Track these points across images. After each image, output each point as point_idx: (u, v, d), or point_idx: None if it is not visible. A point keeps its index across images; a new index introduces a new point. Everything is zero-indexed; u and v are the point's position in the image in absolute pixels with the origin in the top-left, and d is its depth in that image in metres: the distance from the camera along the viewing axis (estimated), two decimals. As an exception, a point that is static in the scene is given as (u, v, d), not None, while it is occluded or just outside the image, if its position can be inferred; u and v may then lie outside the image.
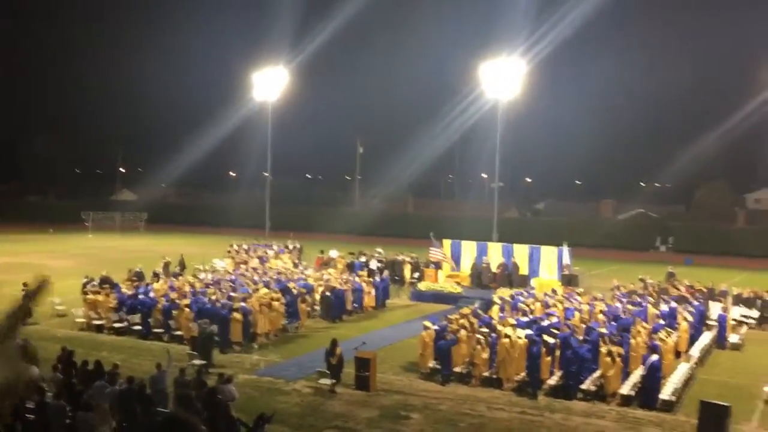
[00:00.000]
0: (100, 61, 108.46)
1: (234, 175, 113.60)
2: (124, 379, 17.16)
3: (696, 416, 17.41)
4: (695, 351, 25.06)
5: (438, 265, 39.45)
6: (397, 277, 40.24)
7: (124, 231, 73.91)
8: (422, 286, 38.13)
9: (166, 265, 38.81)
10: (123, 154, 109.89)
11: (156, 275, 35.33)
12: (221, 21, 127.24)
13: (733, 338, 28.27)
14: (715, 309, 30.76)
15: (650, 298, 31.07)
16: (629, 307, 28.31)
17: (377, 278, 35.94)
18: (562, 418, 18.94)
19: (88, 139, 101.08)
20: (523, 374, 21.53)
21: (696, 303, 30.00)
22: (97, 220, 75.20)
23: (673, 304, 29.03)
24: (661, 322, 25.33)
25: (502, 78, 43.32)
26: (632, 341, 22.39)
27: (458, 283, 37.77)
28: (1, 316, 1.42)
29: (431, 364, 22.70)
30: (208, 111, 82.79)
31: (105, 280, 31.77)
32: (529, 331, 22.62)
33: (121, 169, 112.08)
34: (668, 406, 19.69)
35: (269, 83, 54.15)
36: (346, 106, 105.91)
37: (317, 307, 31.69)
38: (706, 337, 27.32)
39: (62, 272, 41.39)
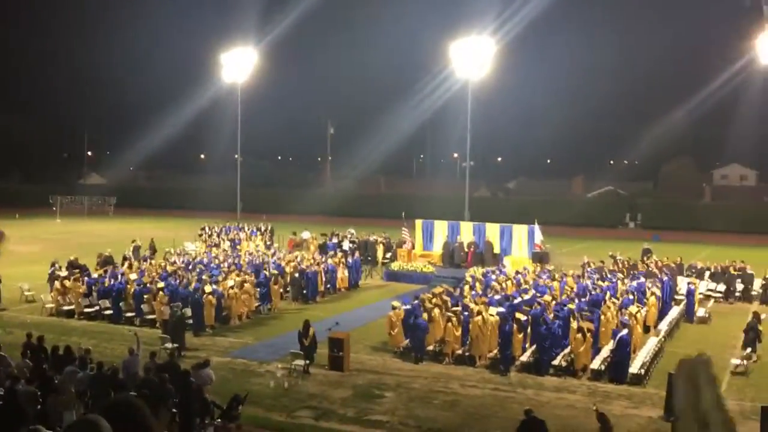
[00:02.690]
0: (66, 42, 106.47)
1: (203, 157, 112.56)
2: (95, 364, 17.03)
3: (664, 388, 17.73)
4: (663, 325, 25.50)
5: (407, 245, 39.74)
6: (369, 258, 40.31)
7: (92, 215, 73.01)
8: (395, 266, 38.25)
9: (136, 249, 38.45)
10: (90, 137, 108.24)
11: (126, 259, 35.00)
12: (189, 1, 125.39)
13: (700, 312, 28.79)
14: (683, 284, 31.30)
15: (620, 274, 31.51)
16: (599, 283, 28.68)
17: (350, 259, 35.96)
18: (534, 394, 19.19)
19: (54, 122, 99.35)
20: (495, 351, 21.75)
21: (665, 278, 30.46)
22: (64, 204, 74.13)
23: (642, 280, 29.47)
24: (631, 297, 25.70)
25: (472, 57, 43.27)
26: (602, 317, 22.70)
27: (430, 263, 37.94)
28: None
29: (404, 343, 22.85)
30: (177, 93, 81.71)
31: (73, 265, 31.43)
32: (501, 309, 22.82)
33: (88, 152, 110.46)
34: (637, 380, 20.04)
35: (238, 64, 53.55)
36: (317, 87, 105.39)
37: (290, 289, 31.67)
38: (674, 312, 27.80)
39: (30, 258, 40.83)
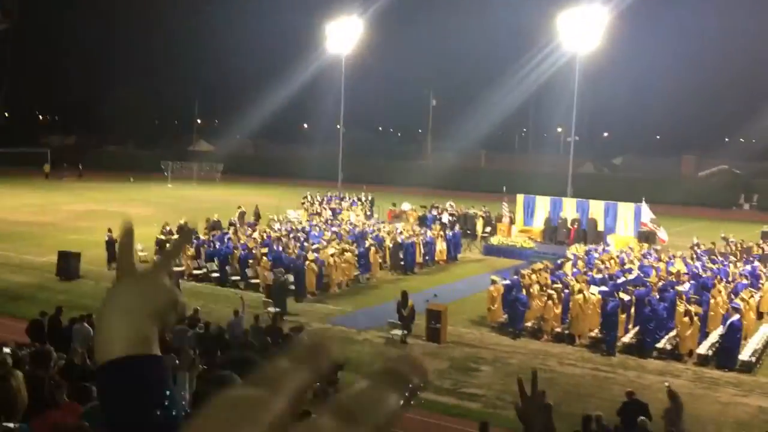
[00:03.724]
0: (178, 12, 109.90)
1: (306, 126, 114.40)
2: (203, 323, 17.75)
3: (777, 378, 16.93)
4: (778, 312, 24.25)
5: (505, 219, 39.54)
6: (468, 231, 40.08)
7: (201, 181, 75.71)
8: (494, 240, 37.89)
9: (242, 215, 39.64)
10: (199, 105, 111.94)
11: (232, 225, 36.17)
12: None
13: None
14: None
15: (732, 257, 30.09)
16: (710, 265, 27.51)
17: (449, 232, 35.85)
18: (636, 376, 18.67)
19: (166, 91, 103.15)
20: (596, 331, 21.28)
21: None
22: (175, 170, 77.15)
23: (757, 264, 28.06)
24: (744, 281, 24.52)
25: (582, 28, 41.90)
26: (712, 301, 21.80)
27: (531, 239, 37.37)
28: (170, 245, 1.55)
29: (502, 318, 22.67)
30: (283, 63, 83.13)
31: (182, 229, 32.72)
32: (604, 288, 22.27)
33: (198, 120, 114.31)
34: (747, 367, 19.18)
35: (343, 34, 53.88)
36: (420, 59, 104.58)
37: (388, 260, 31.92)
38: (790, 299, 26.36)
39: (143, 220, 42.79)
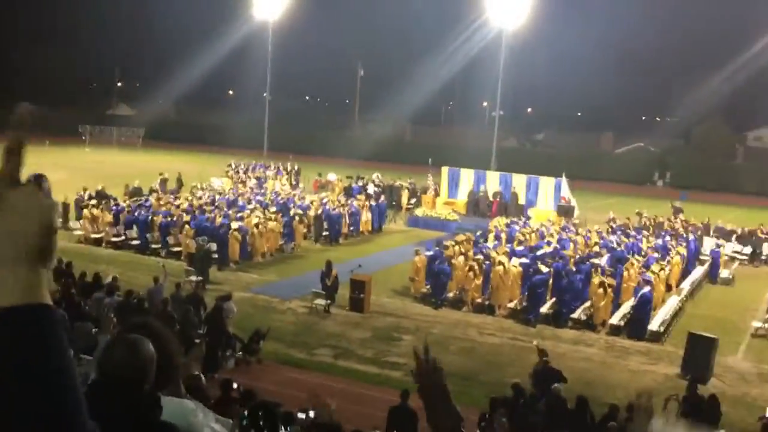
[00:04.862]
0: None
1: (232, 93, 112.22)
2: (123, 291, 17.37)
3: (683, 347, 17.77)
4: (686, 285, 25.40)
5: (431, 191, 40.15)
6: (394, 203, 40.34)
7: (121, 146, 73.50)
8: (419, 212, 38.28)
9: (163, 182, 38.77)
10: (120, 68, 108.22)
11: (153, 191, 35.35)
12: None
13: (724, 273, 28.59)
14: (708, 244, 31.06)
15: (645, 232, 31.30)
16: (623, 239, 28.53)
17: (374, 202, 35.99)
18: (552, 345, 19.25)
19: (85, 51, 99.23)
20: (515, 302, 21.85)
21: (690, 238, 30.22)
22: (94, 134, 74.53)
23: (668, 238, 29.26)
24: (655, 255, 25.56)
25: (509, 4, 42.38)
26: (625, 273, 22.65)
27: (454, 211, 37.90)
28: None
29: (425, 289, 23.00)
30: (208, 28, 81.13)
31: (100, 194, 31.82)
32: (524, 260, 22.84)
33: (118, 83, 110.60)
34: (656, 337, 20.08)
35: (270, 1, 52.92)
36: (349, 29, 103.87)
37: (312, 230, 31.84)
38: (697, 272, 27.65)
39: (59, 185, 41.32)
